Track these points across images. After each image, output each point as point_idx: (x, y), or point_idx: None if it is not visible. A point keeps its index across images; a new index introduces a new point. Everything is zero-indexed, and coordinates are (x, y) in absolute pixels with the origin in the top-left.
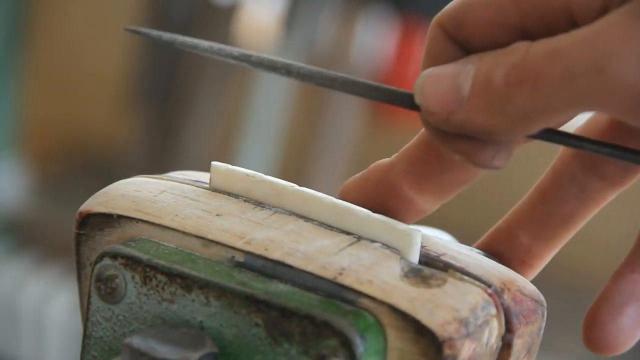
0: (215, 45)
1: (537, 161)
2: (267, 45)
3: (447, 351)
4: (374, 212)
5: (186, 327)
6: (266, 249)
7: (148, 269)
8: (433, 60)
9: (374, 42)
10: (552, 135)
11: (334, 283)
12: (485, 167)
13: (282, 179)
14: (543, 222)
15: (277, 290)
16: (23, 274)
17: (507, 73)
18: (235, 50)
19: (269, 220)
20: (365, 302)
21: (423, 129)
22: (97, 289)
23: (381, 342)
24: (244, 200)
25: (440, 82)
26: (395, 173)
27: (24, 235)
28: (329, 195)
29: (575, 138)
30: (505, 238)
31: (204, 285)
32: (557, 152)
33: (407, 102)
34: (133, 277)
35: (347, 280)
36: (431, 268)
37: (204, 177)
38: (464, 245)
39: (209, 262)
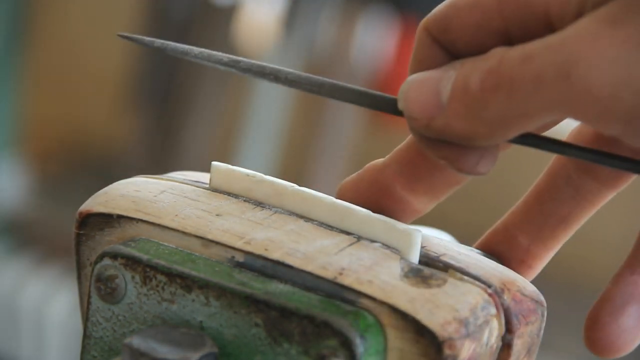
0: (205, 51)
1: (536, 160)
2: (267, 45)
3: (447, 351)
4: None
5: (186, 327)
6: (266, 249)
7: (148, 269)
8: (419, 64)
9: (373, 42)
10: (534, 140)
11: (334, 283)
12: (470, 172)
13: (282, 179)
14: (540, 223)
15: (277, 290)
16: (23, 274)
17: (483, 78)
18: (225, 57)
19: (269, 220)
20: (365, 302)
21: None
22: (97, 289)
23: (381, 342)
24: (244, 200)
25: (422, 87)
26: (388, 174)
27: (24, 235)
28: (329, 195)
29: (559, 144)
30: (504, 239)
31: (204, 285)
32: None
33: (391, 107)
34: (133, 277)
35: (347, 280)
36: (431, 268)
37: (204, 177)
38: (463, 246)
39: (209, 262)
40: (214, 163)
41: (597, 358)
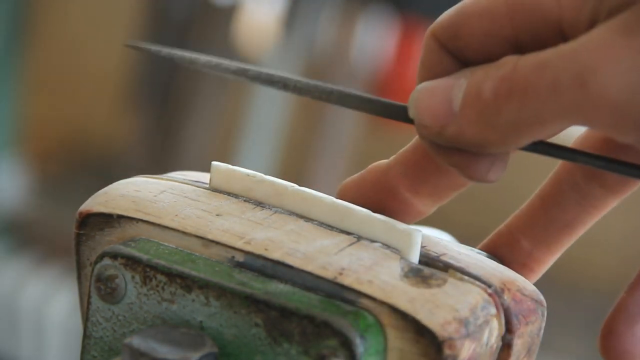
0: (214, 59)
1: (537, 163)
2: (267, 45)
3: (447, 351)
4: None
5: (186, 327)
6: (266, 249)
7: (148, 269)
8: (428, 71)
9: (374, 42)
10: (545, 147)
11: (334, 283)
12: (480, 180)
13: (282, 179)
14: (544, 228)
15: (277, 290)
16: (23, 274)
17: (496, 85)
18: (233, 65)
19: (269, 220)
20: (365, 302)
21: None
22: (97, 289)
23: (381, 342)
24: (244, 200)
25: (433, 95)
26: (392, 175)
27: (24, 235)
28: (329, 195)
29: (568, 151)
30: (507, 242)
31: (204, 285)
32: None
33: (402, 115)
34: (133, 277)
35: (347, 280)
36: (431, 268)
37: (204, 177)
38: (464, 246)
39: (209, 262)
40: (214, 163)
41: (596, 357)
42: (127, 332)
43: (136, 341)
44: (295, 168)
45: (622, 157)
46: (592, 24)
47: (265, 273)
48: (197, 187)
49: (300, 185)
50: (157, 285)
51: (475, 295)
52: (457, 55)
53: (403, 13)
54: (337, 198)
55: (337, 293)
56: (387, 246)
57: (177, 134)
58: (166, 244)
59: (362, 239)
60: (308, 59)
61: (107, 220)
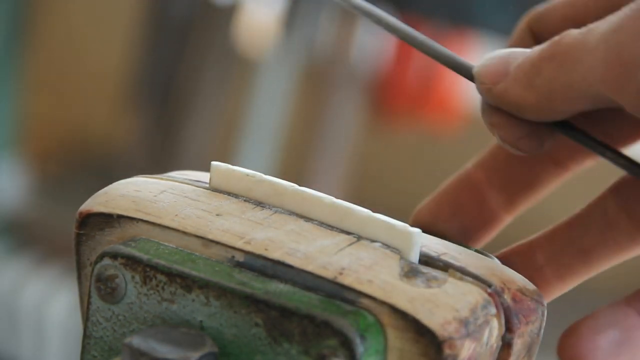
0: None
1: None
2: (267, 45)
3: (447, 351)
4: (446, 212)
5: (186, 327)
6: (266, 249)
7: (148, 269)
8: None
9: (373, 42)
10: (576, 133)
11: (334, 283)
12: (512, 145)
13: (282, 179)
14: (561, 247)
15: (277, 290)
16: (23, 274)
17: (543, 48)
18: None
19: (269, 220)
20: (365, 301)
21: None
22: (97, 289)
23: (381, 342)
24: (244, 200)
25: (497, 57)
26: (469, 169)
27: (24, 235)
28: (329, 195)
29: (598, 142)
30: (522, 251)
31: (204, 285)
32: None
33: (467, 73)
34: (133, 277)
35: (347, 280)
36: (431, 268)
37: (204, 177)
38: (463, 246)
39: (209, 262)
40: (214, 163)
41: None
42: (127, 332)
43: (136, 341)
44: (295, 168)
45: None
46: None
47: (266, 273)
48: (197, 187)
49: (300, 185)
50: (157, 285)
51: (475, 295)
52: (538, 38)
53: (403, 13)
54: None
55: (337, 293)
56: (387, 246)
57: (177, 134)
58: (166, 243)
59: (362, 239)
60: (308, 59)
61: (107, 220)
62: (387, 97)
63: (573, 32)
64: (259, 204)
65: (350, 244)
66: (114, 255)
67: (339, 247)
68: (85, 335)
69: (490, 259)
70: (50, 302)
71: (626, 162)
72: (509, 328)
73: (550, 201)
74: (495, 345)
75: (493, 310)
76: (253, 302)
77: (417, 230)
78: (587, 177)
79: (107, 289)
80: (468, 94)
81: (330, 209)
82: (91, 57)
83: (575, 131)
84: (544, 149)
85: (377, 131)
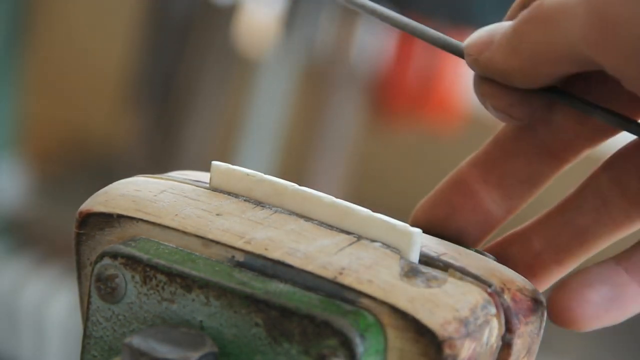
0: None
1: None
2: (267, 45)
3: (447, 351)
4: (440, 214)
5: (186, 326)
6: (266, 249)
7: (148, 269)
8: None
9: (373, 42)
10: (564, 96)
11: (334, 283)
12: (503, 112)
13: (282, 178)
14: (557, 230)
15: (277, 290)
16: (23, 274)
17: (524, 14)
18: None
19: (269, 220)
20: (365, 301)
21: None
22: (97, 289)
23: (381, 342)
24: (244, 200)
25: (483, 30)
26: (462, 168)
27: (24, 235)
28: (329, 195)
29: (587, 103)
30: (518, 239)
31: (204, 285)
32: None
33: (459, 51)
34: (133, 277)
35: (347, 280)
36: (431, 268)
37: (204, 176)
38: (463, 246)
39: (209, 261)
40: (214, 162)
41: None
42: (127, 332)
43: (136, 341)
44: (295, 168)
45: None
46: None
47: (266, 273)
48: (197, 186)
49: (300, 185)
50: (157, 285)
51: (475, 294)
52: None
53: (403, 13)
54: (411, 221)
55: (337, 293)
56: (387, 246)
57: (177, 134)
58: (166, 243)
59: (362, 239)
60: (308, 59)
61: (107, 220)
62: (387, 97)
63: None
64: (259, 203)
65: (351, 244)
66: (114, 255)
67: (339, 247)
68: (85, 335)
69: (490, 259)
70: (50, 302)
71: (619, 120)
72: (508, 328)
73: (543, 194)
74: (495, 345)
75: (493, 310)
76: (253, 302)
77: (417, 230)
78: (578, 169)
79: (107, 289)
80: (468, 94)
81: (330, 209)
82: (91, 57)
83: (565, 95)
84: (537, 116)
85: (377, 131)
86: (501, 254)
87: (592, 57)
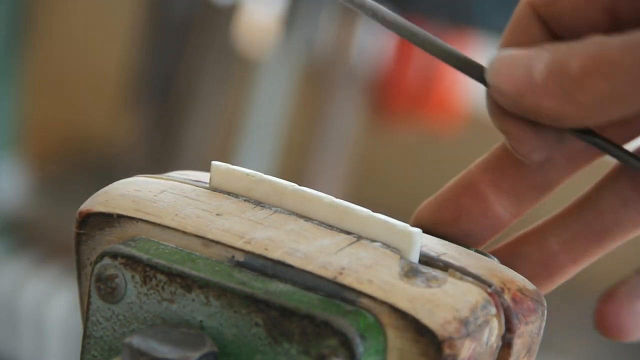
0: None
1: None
2: (267, 45)
3: (447, 351)
4: (447, 216)
5: (186, 326)
6: (266, 249)
7: (148, 269)
8: (514, 37)
9: (373, 42)
10: (603, 141)
11: (334, 283)
12: (522, 154)
13: (282, 178)
14: (576, 231)
15: (277, 289)
16: (23, 274)
17: (583, 62)
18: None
19: (269, 220)
20: (365, 301)
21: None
22: (97, 289)
23: (381, 342)
24: (244, 200)
25: (514, 63)
26: (473, 171)
27: (24, 235)
28: (329, 195)
29: (623, 151)
30: (535, 240)
31: (204, 285)
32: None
33: (477, 75)
34: (133, 277)
35: (347, 280)
36: (431, 268)
37: (204, 176)
38: (463, 246)
39: (209, 261)
40: (214, 162)
41: (596, 357)
42: (127, 332)
43: (136, 341)
44: (295, 168)
45: None
46: None
47: (266, 273)
48: (197, 186)
49: (300, 185)
50: (157, 285)
51: (475, 294)
52: (548, 23)
53: (403, 13)
54: (413, 221)
55: (337, 293)
56: (387, 246)
57: (177, 134)
58: (166, 243)
59: (362, 239)
60: (308, 59)
61: (107, 220)
62: (387, 97)
63: (609, 43)
64: (259, 203)
65: (350, 244)
66: (114, 255)
67: (339, 246)
68: (85, 335)
69: (490, 259)
70: (50, 302)
71: None
72: (508, 328)
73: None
74: (495, 345)
75: (493, 310)
76: (253, 302)
77: (417, 230)
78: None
79: (107, 289)
80: (468, 94)
81: (330, 209)
82: (91, 57)
83: (596, 137)
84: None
85: (377, 131)
86: (515, 254)
87: None
